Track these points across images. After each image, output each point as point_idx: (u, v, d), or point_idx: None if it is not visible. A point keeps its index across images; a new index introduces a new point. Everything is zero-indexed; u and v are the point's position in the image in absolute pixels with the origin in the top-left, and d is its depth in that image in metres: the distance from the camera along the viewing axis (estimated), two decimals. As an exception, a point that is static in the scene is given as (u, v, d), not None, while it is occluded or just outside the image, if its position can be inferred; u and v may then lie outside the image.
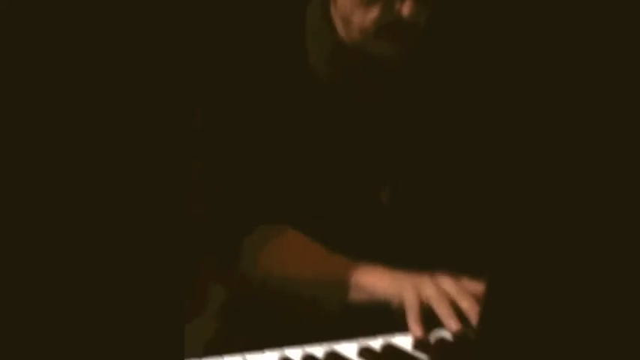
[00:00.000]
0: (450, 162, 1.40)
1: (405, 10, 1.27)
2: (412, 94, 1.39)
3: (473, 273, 1.23)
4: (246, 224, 1.37)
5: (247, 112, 1.38)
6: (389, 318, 1.22)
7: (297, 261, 1.35)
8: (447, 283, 1.21)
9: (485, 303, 0.94)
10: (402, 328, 1.20)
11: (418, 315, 1.19)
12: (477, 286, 1.21)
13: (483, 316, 0.91)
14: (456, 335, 1.17)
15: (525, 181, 0.86)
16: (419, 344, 1.17)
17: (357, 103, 1.38)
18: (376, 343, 1.17)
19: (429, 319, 1.20)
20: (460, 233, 1.40)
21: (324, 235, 1.34)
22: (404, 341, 1.18)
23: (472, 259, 1.27)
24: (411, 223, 1.39)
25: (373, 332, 1.20)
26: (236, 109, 1.38)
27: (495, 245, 0.89)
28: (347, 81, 1.38)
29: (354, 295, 1.28)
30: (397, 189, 1.40)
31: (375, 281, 1.27)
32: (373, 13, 1.29)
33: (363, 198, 1.39)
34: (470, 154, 1.40)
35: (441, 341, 1.18)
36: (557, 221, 0.84)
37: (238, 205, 1.38)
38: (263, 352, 1.14)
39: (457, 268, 1.25)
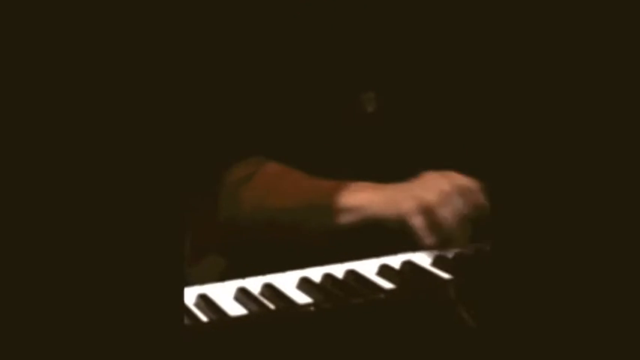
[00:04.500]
0: (434, 64, 1.36)
1: None
2: None
3: None
4: (224, 160, 1.34)
5: (220, 40, 1.34)
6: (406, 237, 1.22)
7: (280, 191, 1.30)
8: (445, 185, 1.20)
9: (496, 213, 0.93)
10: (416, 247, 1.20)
11: (428, 230, 1.19)
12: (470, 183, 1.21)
13: (496, 226, 0.91)
14: (475, 249, 1.18)
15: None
16: (438, 260, 1.18)
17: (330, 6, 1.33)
18: (395, 261, 1.19)
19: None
20: (445, 140, 1.36)
21: (308, 160, 1.31)
22: (423, 258, 1.19)
23: (457, 166, 1.25)
24: (397, 131, 1.34)
25: (393, 251, 1.21)
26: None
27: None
28: None
29: (344, 218, 1.25)
30: (381, 95, 1.35)
31: (364, 200, 1.24)
32: None
33: (346, 109, 1.34)
34: (453, 53, 1.36)
35: (460, 256, 1.18)
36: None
37: (215, 140, 1.34)
38: (283, 273, 1.15)
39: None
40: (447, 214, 1.19)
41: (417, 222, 1.20)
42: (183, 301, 1.01)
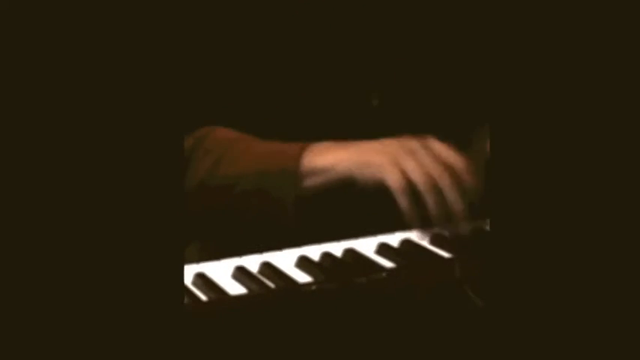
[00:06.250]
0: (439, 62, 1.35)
1: None
2: None
3: None
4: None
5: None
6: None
7: (235, 157, 1.25)
8: (425, 157, 1.15)
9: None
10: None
11: (409, 199, 1.13)
12: (453, 157, 1.17)
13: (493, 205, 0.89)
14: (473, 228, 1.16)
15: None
16: (436, 239, 1.17)
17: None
18: (393, 240, 1.17)
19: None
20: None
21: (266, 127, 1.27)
22: (421, 237, 1.18)
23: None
24: (400, 126, 1.27)
25: (390, 229, 1.19)
26: None
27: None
28: None
29: (312, 181, 1.19)
30: (387, 90, 1.32)
31: (333, 160, 1.18)
32: None
33: (351, 102, 1.31)
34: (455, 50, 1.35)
35: (458, 234, 1.17)
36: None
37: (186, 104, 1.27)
38: (280, 251, 1.13)
39: None
40: (418, 173, 1.14)
41: (392, 178, 1.14)
42: (183, 280, 0.99)
